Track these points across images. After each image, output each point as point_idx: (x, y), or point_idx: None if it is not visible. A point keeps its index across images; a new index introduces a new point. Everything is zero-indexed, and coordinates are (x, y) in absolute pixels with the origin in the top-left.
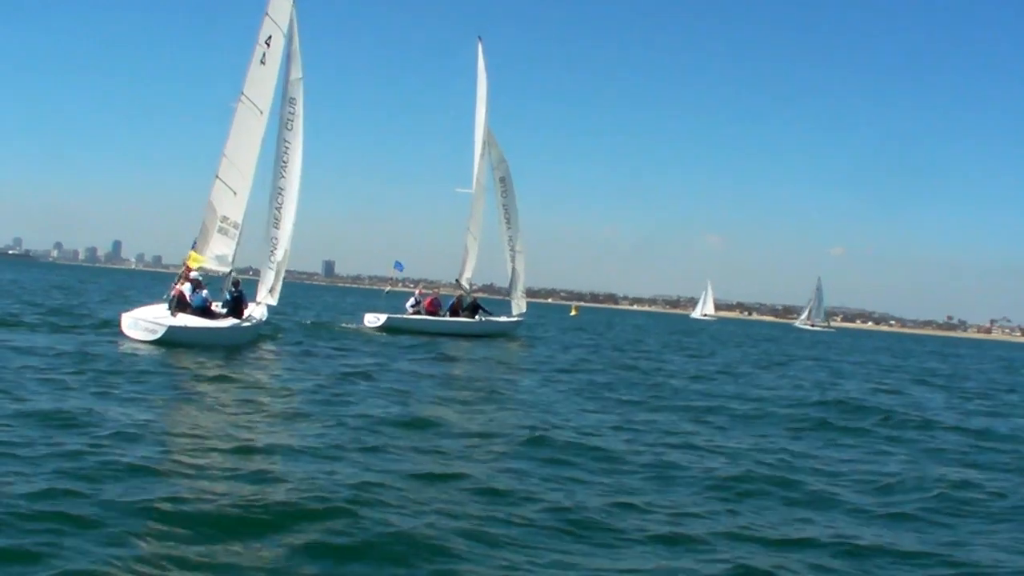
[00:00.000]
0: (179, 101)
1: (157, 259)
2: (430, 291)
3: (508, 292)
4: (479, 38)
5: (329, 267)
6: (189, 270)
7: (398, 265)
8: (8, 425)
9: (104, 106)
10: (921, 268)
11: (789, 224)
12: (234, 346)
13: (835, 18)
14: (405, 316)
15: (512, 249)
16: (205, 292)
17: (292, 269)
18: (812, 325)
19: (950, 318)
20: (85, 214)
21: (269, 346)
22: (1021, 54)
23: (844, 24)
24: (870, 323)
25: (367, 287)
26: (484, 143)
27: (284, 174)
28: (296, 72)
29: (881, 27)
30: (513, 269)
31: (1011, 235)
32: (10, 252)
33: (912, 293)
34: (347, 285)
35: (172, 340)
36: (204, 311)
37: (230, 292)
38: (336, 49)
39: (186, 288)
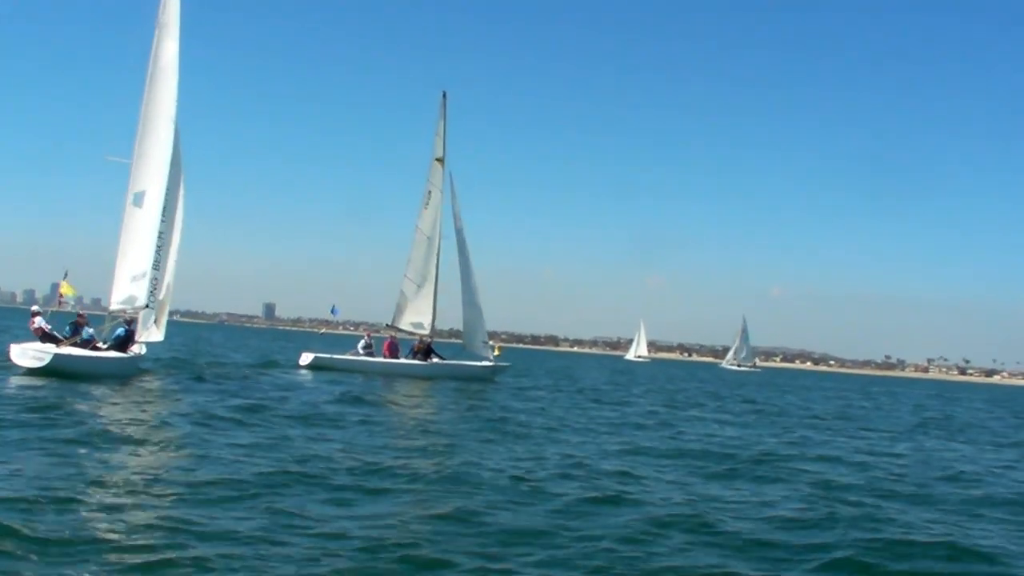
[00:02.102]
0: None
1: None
2: (382, 335)
3: (464, 340)
4: (444, 93)
5: (269, 310)
6: (62, 298)
7: (334, 310)
8: None
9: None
10: (860, 307)
11: (729, 264)
12: (115, 377)
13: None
14: (336, 356)
15: (471, 300)
16: (91, 329)
17: (232, 312)
18: (739, 365)
19: (888, 357)
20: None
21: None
22: (963, 109)
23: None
24: (808, 363)
25: (308, 329)
26: (429, 191)
27: (164, 218)
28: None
29: (821, 61)
30: (467, 318)
31: (948, 274)
32: None
33: (853, 333)
34: (287, 328)
35: (57, 368)
36: (88, 345)
37: (124, 328)
38: (293, 94)
39: (38, 321)
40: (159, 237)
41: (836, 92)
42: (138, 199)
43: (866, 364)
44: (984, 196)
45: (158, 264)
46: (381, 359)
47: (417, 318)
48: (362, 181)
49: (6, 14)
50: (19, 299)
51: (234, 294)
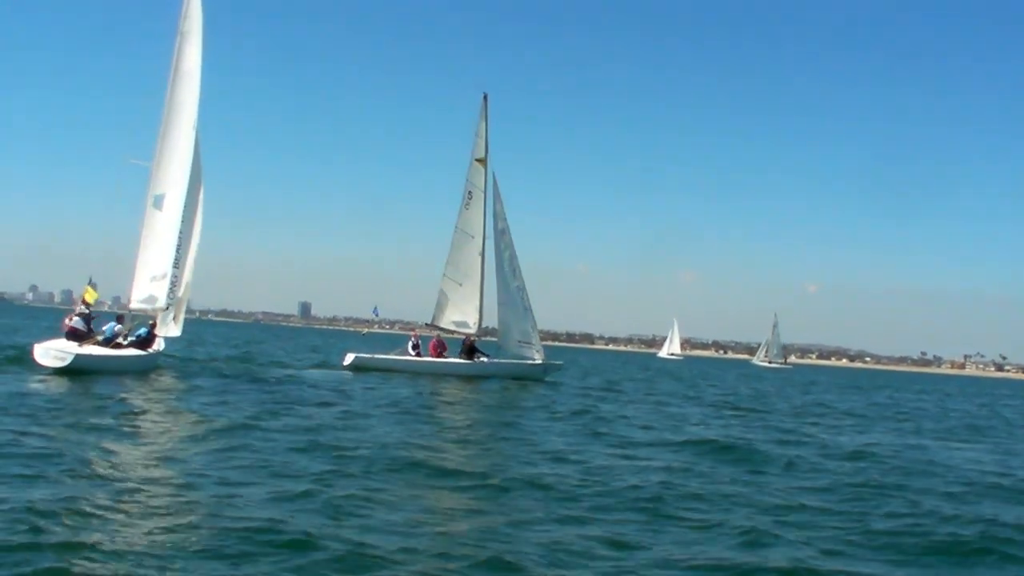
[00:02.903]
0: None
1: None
2: (430, 335)
3: (499, 339)
4: (485, 95)
5: (305, 308)
6: (87, 304)
7: (375, 311)
8: None
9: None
10: (896, 304)
11: (764, 261)
12: (136, 373)
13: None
14: (378, 356)
15: (507, 300)
16: (118, 326)
17: (268, 311)
18: (770, 362)
19: (924, 354)
20: (60, 256)
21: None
22: (986, 97)
23: (815, 60)
24: (844, 360)
25: (344, 328)
26: (469, 191)
27: (184, 219)
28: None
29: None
30: (501, 318)
31: (986, 268)
32: None
33: (889, 329)
34: (323, 327)
35: (79, 367)
36: (110, 342)
37: (146, 328)
38: (333, 94)
39: (76, 322)
40: (179, 238)
41: (870, 88)
42: (158, 201)
43: (902, 361)
44: (1019, 189)
45: (178, 263)
46: (426, 359)
47: (460, 317)
48: (398, 180)
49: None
50: (57, 299)
51: (270, 293)
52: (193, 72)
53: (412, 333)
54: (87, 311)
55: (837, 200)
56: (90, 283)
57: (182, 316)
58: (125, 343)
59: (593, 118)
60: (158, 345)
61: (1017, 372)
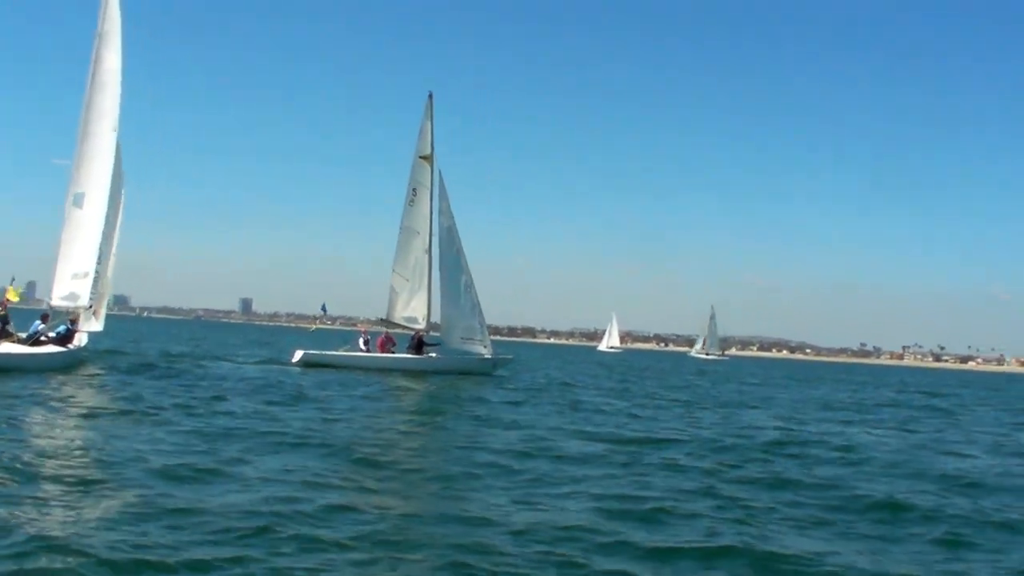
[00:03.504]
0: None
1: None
2: (378, 331)
3: (442, 334)
4: (430, 94)
5: (246, 304)
6: (8, 303)
7: (324, 308)
8: None
9: None
10: (838, 296)
11: (707, 254)
12: (56, 369)
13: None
14: (327, 353)
15: (451, 295)
16: (41, 325)
17: (208, 307)
18: (707, 354)
19: (863, 345)
20: None
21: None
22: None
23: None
24: (785, 351)
25: (285, 324)
26: (413, 188)
27: (108, 219)
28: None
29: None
30: (444, 314)
31: (925, 262)
32: None
33: (830, 322)
34: (264, 323)
35: None
36: (33, 340)
37: (66, 326)
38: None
39: None
40: (101, 236)
41: (811, 80)
42: (79, 200)
43: (841, 352)
44: (958, 186)
45: (100, 260)
46: (375, 354)
47: (410, 312)
48: (340, 177)
49: None
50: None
51: (211, 290)
52: (113, 73)
53: (361, 329)
54: (2, 311)
55: (779, 193)
56: (12, 283)
57: (103, 311)
58: (46, 340)
59: (536, 112)
60: (79, 341)
61: (955, 362)
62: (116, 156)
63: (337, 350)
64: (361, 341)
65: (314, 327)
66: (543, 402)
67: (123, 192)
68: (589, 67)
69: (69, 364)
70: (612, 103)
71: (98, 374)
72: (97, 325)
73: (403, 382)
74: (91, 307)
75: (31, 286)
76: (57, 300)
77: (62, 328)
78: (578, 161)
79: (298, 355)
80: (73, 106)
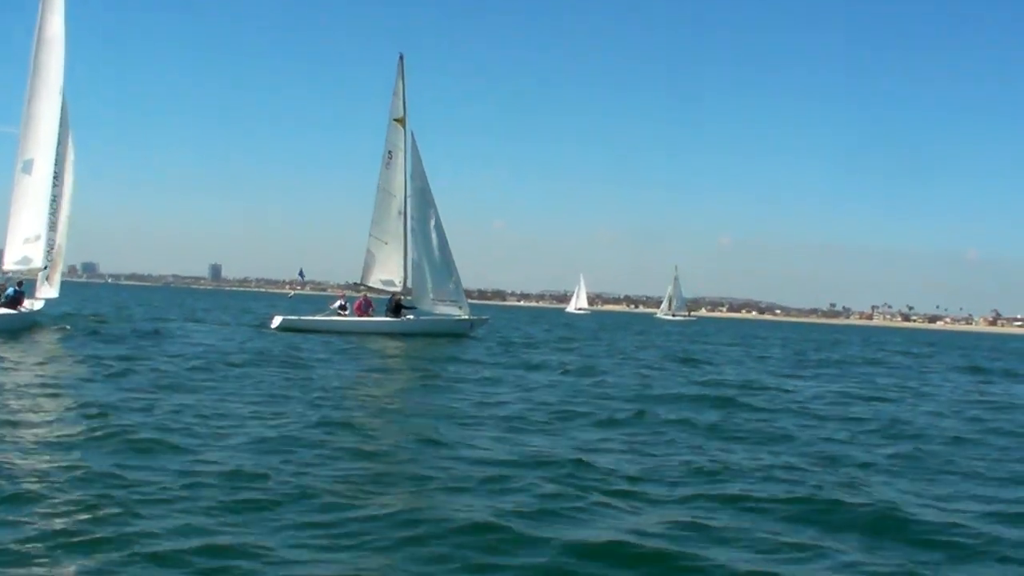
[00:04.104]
0: None
1: None
2: (356, 295)
3: (413, 298)
4: (401, 55)
5: (216, 271)
6: None
7: (301, 273)
8: None
9: None
10: (806, 256)
11: (676, 215)
12: (7, 331)
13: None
14: (305, 318)
15: (423, 257)
16: None
17: (178, 273)
18: (673, 315)
19: (833, 306)
20: None
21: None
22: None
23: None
24: (754, 312)
25: (254, 289)
26: (389, 151)
27: (57, 183)
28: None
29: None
30: (415, 277)
31: (893, 221)
32: None
33: (799, 283)
34: (234, 288)
35: None
36: None
37: (13, 289)
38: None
39: None
40: (52, 202)
41: (790, 34)
42: (27, 166)
43: (812, 312)
44: (932, 144)
45: (52, 226)
46: (353, 318)
47: (387, 275)
48: (307, 139)
49: None
50: None
51: (180, 256)
52: (57, 38)
53: (339, 293)
54: None
55: (751, 153)
56: None
57: (57, 277)
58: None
59: (511, 74)
60: (33, 306)
61: (923, 321)
62: (63, 120)
63: (315, 315)
64: (337, 305)
65: (292, 292)
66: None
67: (70, 155)
68: (565, 18)
69: (17, 327)
70: (585, 56)
71: (48, 337)
72: (52, 291)
73: (380, 343)
74: (45, 268)
75: None
76: (10, 265)
77: (10, 291)
78: (554, 118)
79: (277, 320)
80: (19, 73)
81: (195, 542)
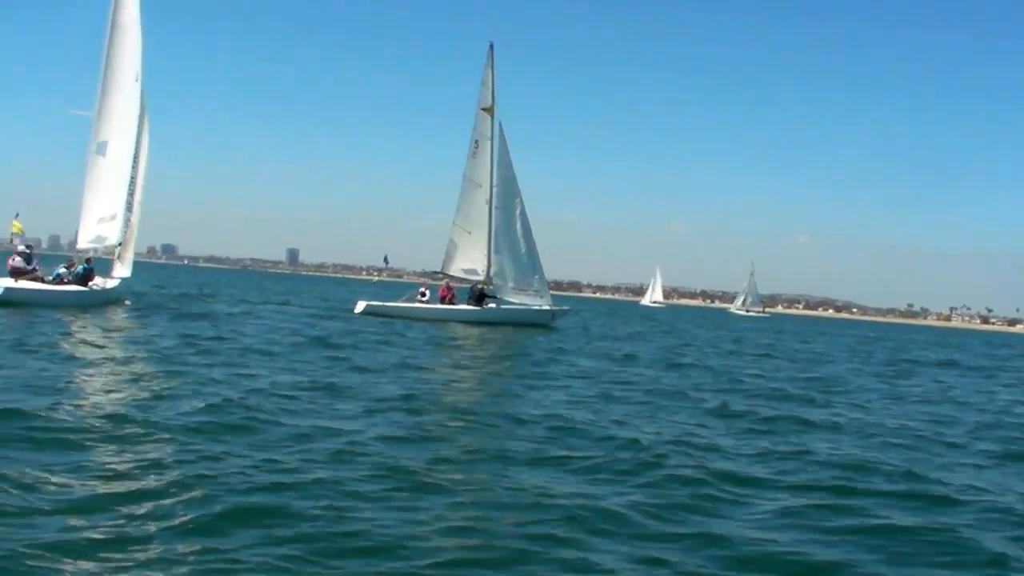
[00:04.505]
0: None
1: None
2: (437, 283)
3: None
4: (491, 44)
5: (293, 255)
6: (14, 235)
7: (386, 260)
8: None
9: None
10: (883, 256)
11: (756, 212)
12: (73, 307)
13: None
14: (388, 304)
15: (507, 246)
16: (62, 269)
17: (256, 257)
18: (747, 311)
19: (911, 306)
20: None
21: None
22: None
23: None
24: (831, 311)
25: (331, 275)
26: (476, 140)
27: (134, 164)
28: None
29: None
30: (498, 266)
31: (976, 224)
32: None
33: (878, 281)
34: (310, 273)
35: (8, 300)
36: (58, 282)
37: (83, 266)
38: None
39: (18, 261)
40: (130, 183)
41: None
42: (101, 148)
43: (889, 312)
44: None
45: (129, 207)
46: (435, 306)
47: (469, 264)
48: (390, 128)
49: None
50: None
51: (258, 239)
52: (132, 24)
53: (422, 282)
54: (28, 251)
55: (832, 154)
56: (16, 216)
57: (130, 256)
58: (68, 282)
59: (596, 71)
60: (108, 284)
61: (1002, 324)
62: (141, 104)
63: (397, 301)
64: (419, 292)
65: (377, 278)
66: None
67: (146, 138)
68: (660, 15)
69: (86, 303)
70: (673, 60)
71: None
72: (125, 271)
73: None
74: (119, 245)
75: (54, 239)
76: (84, 243)
77: (80, 268)
78: (629, 113)
79: (360, 306)
80: (93, 57)
81: None
